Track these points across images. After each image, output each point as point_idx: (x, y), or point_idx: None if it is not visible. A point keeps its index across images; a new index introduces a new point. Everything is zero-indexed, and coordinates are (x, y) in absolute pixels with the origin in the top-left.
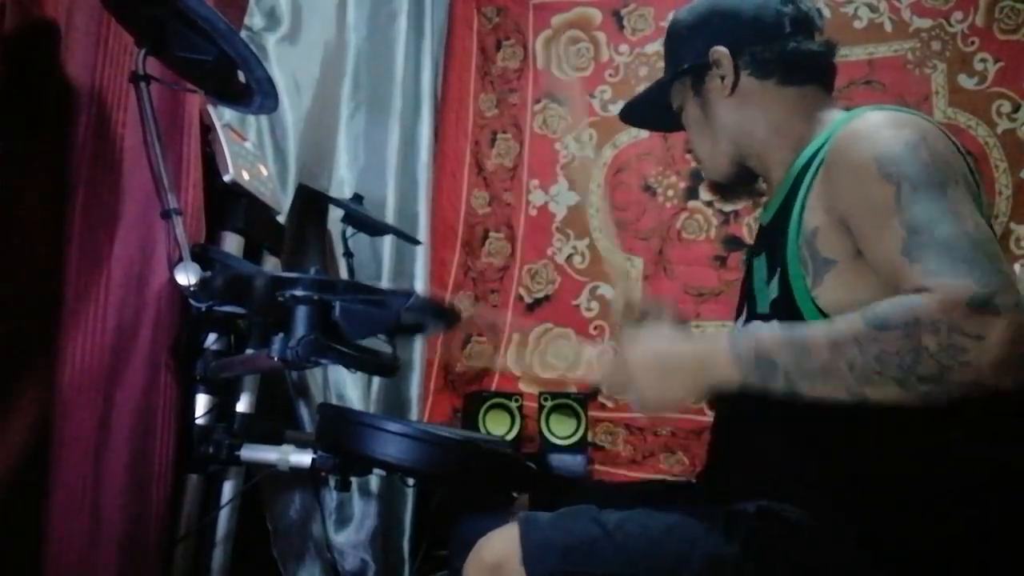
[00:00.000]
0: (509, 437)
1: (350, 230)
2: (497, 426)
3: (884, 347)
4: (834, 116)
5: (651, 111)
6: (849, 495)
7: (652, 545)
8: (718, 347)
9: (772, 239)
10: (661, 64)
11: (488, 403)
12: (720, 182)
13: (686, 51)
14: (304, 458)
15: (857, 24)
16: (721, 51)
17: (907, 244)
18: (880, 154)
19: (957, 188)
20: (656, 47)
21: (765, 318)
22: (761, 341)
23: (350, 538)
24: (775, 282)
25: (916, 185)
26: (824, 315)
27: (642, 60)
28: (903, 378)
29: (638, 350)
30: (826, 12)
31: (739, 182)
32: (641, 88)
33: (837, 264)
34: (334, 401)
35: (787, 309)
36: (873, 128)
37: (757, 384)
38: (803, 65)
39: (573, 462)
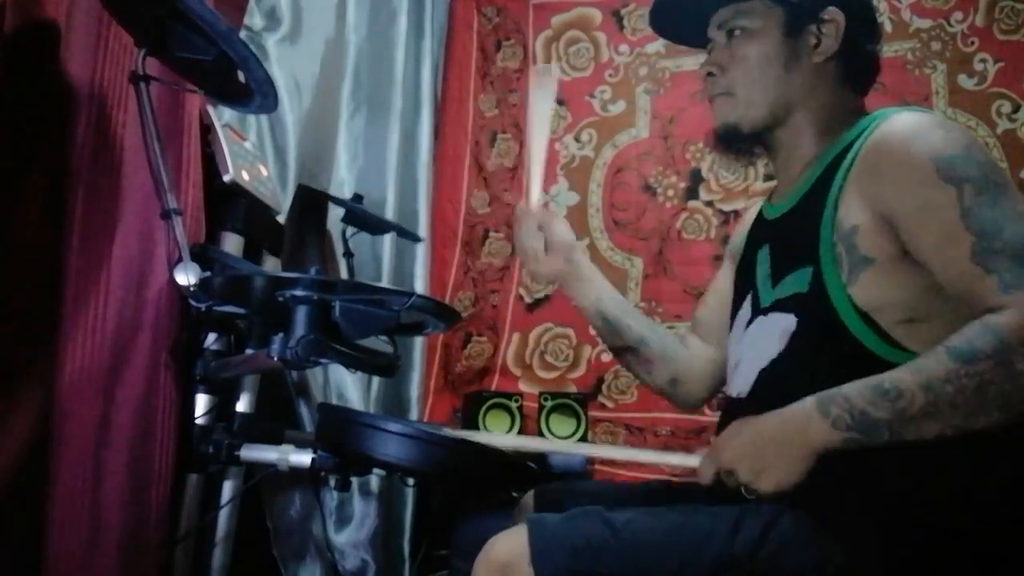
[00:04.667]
0: None
1: (350, 230)
2: (497, 426)
3: (980, 379)
4: (861, 118)
5: (687, 15)
6: (859, 493)
7: (661, 545)
8: (808, 414)
9: (789, 234)
10: (662, 64)
11: (488, 403)
12: (742, 130)
13: None
14: (304, 458)
15: None
16: (839, 15)
17: (976, 250)
18: (937, 156)
19: (1013, 187)
20: (657, 47)
21: (769, 311)
22: (851, 399)
23: (350, 538)
24: (800, 279)
25: (979, 188)
26: (860, 312)
27: (642, 60)
28: (1005, 403)
29: (729, 445)
30: None
31: (755, 140)
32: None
33: (876, 262)
34: (334, 401)
35: (820, 306)
36: (922, 128)
37: (860, 440)
38: (870, 72)
39: (573, 462)
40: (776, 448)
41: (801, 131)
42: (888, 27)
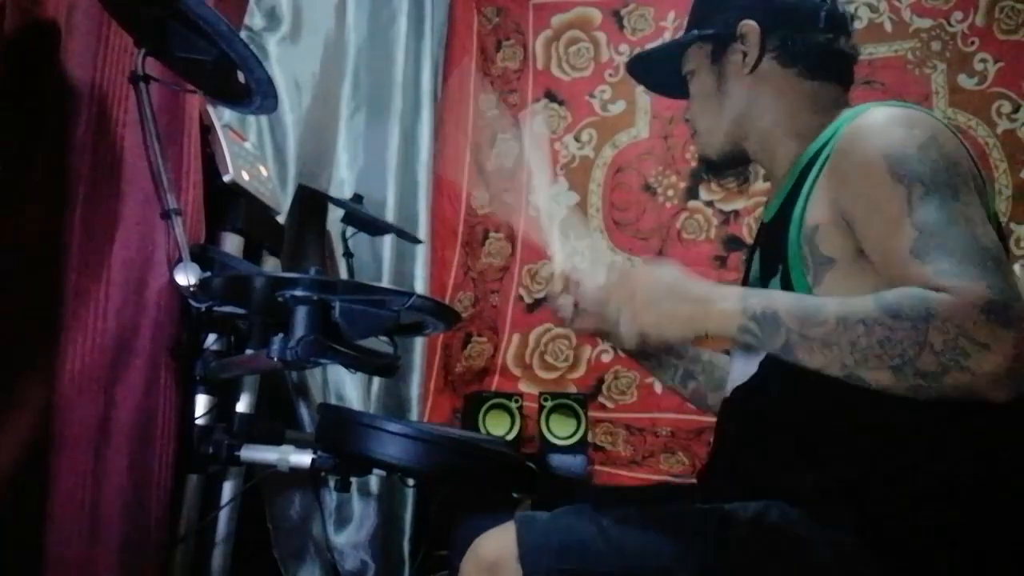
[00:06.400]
0: (509, 437)
1: (350, 230)
2: (497, 426)
3: (891, 335)
4: (843, 113)
5: (659, 70)
6: (848, 496)
7: (647, 545)
8: (728, 293)
9: (773, 236)
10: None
11: (488, 403)
12: (712, 159)
13: (715, 16)
14: (304, 458)
15: (857, 24)
16: (751, 26)
17: (917, 244)
18: (891, 153)
19: (967, 192)
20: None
21: None
22: (772, 300)
23: (350, 538)
24: (776, 282)
25: (928, 187)
26: None
27: None
28: (900, 367)
29: (651, 271)
30: None
31: (731, 162)
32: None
33: (836, 263)
34: (334, 401)
35: None
36: (883, 125)
37: (754, 339)
38: (829, 61)
39: (573, 463)
40: (682, 309)
41: (769, 139)
42: (888, 27)
